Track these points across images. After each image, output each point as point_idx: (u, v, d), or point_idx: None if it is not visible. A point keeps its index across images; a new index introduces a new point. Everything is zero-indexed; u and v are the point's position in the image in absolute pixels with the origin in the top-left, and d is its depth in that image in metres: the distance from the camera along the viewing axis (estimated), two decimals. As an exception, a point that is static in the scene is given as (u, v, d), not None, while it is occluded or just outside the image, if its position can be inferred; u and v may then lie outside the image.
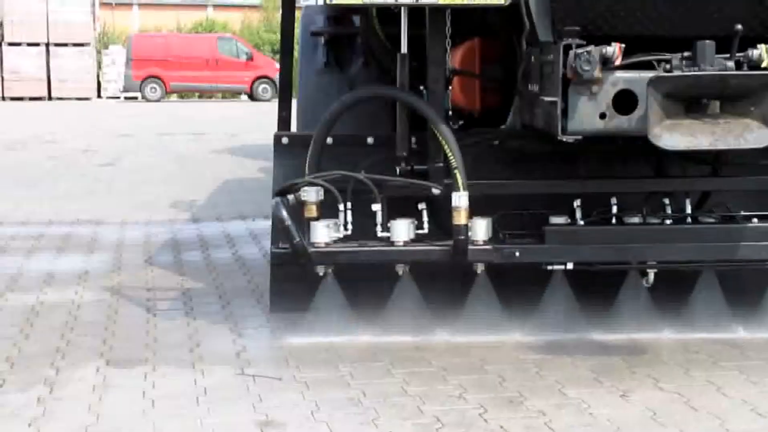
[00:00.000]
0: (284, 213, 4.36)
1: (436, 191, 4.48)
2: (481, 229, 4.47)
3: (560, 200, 4.60)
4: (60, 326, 4.95)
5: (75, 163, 13.15)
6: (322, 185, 4.51)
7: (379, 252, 4.52)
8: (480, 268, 4.52)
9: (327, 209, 4.53)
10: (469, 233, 4.42)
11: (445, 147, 4.42)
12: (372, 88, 4.97)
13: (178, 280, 5.94)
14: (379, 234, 4.50)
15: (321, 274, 4.55)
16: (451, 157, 4.41)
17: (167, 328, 4.91)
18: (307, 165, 4.64)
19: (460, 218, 4.37)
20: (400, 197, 4.57)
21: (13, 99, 30.50)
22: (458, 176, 4.39)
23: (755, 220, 4.54)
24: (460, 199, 4.37)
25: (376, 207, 4.50)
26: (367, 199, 4.50)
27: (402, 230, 4.48)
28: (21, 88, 31.17)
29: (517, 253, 4.46)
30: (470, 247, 4.42)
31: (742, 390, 3.99)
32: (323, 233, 4.46)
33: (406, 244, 4.49)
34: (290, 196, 4.50)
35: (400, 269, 4.55)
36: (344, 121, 4.69)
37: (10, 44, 31.34)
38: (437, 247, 4.47)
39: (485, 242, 4.47)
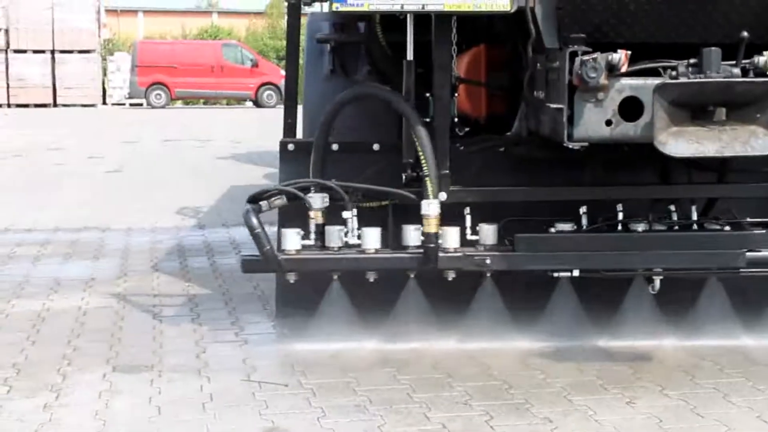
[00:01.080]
0: (254, 221, 4.39)
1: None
2: (451, 236, 4.46)
3: (566, 207, 4.59)
4: (66, 332, 4.96)
5: (81, 169, 13.17)
6: (291, 192, 4.54)
7: (349, 260, 4.52)
8: (451, 275, 4.52)
9: (333, 215, 4.54)
10: (440, 241, 4.41)
11: (420, 152, 4.43)
12: (355, 89, 4.98)
13: (184, 287, 5.94)
14: (350, 242, 4.51)
15: (291, 281, 4.55)
16: (424, 164, 4.41)
17: (173, 334, 4.91)
18: (311, 171, 4.66)
19: (430, 226, 4.36)
20: (409, 204, 4.58)
21: (18, 106, 30.54)
22: (429, 184, 4.40)
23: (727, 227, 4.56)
24: (430, 207, 4.37)
25: (347, 214, 4.51)
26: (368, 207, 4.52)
27: (372, 238, 4.48)
28: (26, 95, 31.19)
29: (488, 261, 4.46)
30: (441, 254, 4.41)
31: (749, 397, 3.99)
32: (293, 241, 4.47)
33: (376, 251, 4.49)
34: (263, 203, 4.53)
35: (371, 277, 4.55)
36: (351, 127, 4.70)
37: (16, 51, 31.37)
38: (408, 255, 4.47)
39: (456, 249, 4.46)
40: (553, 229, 4.50)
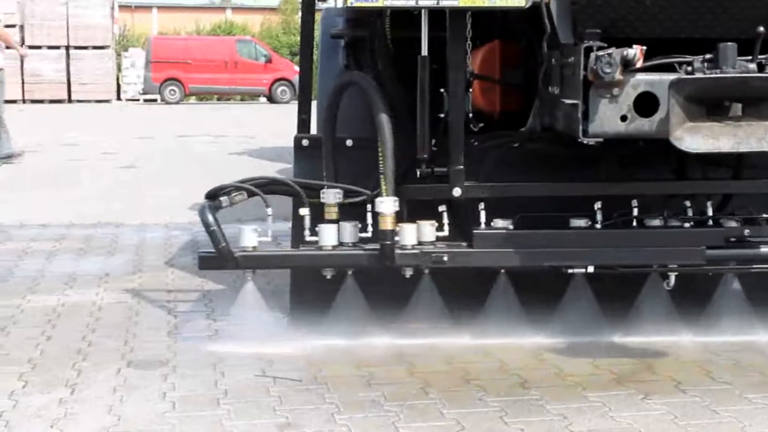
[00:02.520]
0: (210, 217, 4.42)
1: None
2: (409, 234, 4.46)
3: (581, 202, 4.58)
4: (81, 328, 4.98)
5: (95, 165, 13.20)
6: (248, 189, 4.57)
7: (306, 257, 4.55)
8: (409, 272, 4.51)
9: (345, 212, 4.56)
10: (397, 238, 4.41)
11: (380, 148, 4.43)
12: (339, 79, 4.99)
13: (198, 282, 5.95)
14: (308, 238, 4.52)
15: (249, 277, 4.57)
16: (381, 161, 4.42)
17: (187, 329, 4.92)
18: (324, 165, 4.68)
19: (386, 224, 4.36)
20: (420, 200, 4.58)
21: (33, 102, 30.63)
22: (384, 182, 4.40)
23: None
24: (385, 205, 4.36)
25: (304, 211, 4.53)
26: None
27: (329, 235, 4.49)
28: (41, 91, 31.29)
29: (446, 258, 4.46)
30: (398, 251, 4.41)
31: (765, 393, 3.97)
32: (251, 237, 4.48)
33: (334, 248, 4.49)
34: (223, 199, 4.55)
35: (328, 274, 4.55)
36: (366, 122, 4.69)
37: (31, 47, 31.39)
38: (365, 252, 4.47)
39: (413, 247, 4.46)
40: (498, 223, 4.50)
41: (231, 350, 4.54)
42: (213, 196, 4.60)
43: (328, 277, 4.55)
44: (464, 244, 4.51)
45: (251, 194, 4.59)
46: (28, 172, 12.34)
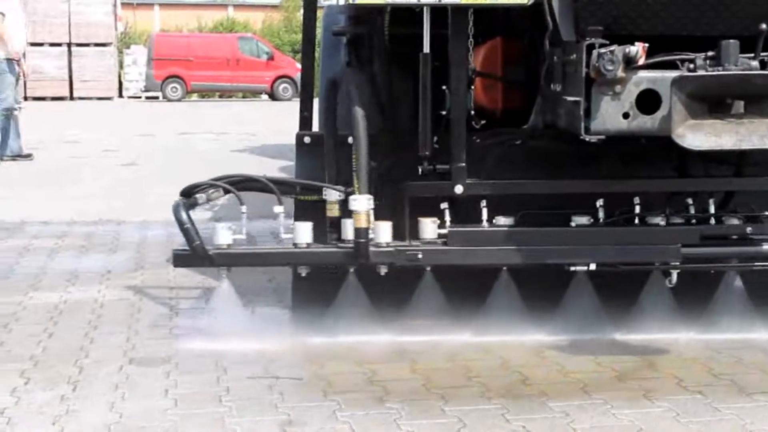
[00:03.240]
0: (184, 215, 4.44)
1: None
2: (383, 231, 4.46)
3: (583, 200, 4.58)
4: (83, 325, 4.98)
5: (97, 162, 13.21)
6: (222, 187, 4.59)
7: (280, 254, 4.58)
8: (383, 270, 4.51)
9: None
10: (371, 235, 4.41)
11: (354, 145, 4.43)
12: (331, 76, 5.02)
13: (199, 279, 5.95)
14: (282, 236, 4.53)
15: (223, 275, 4.57)
16: (354, 159, 4.42)
17: (189, 326, 4.92)
18: (325, 163, 4.69)
19: (360, 222, 4.35)
20: (423, 197, 4.58)
21: (35, 99, 30.63)
22: (357, 180, 4.40)
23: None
24: (359, 203, 4.36)
25: (278, 209, 4.54)
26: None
27: (304, 232, 4.49)
28: (43, 88, 31.28)
29: (420, 255, 4.45)
30: (372, 249, 4.41)
31: (767, 391, 3.97)
32: (225, 235, 4.50)
33: (308, 246, 4.49)
34: (199, 196, 4.58)
35: (303, 271, 4.56)
36: (368, 119, 4.70)
37: (33, 44, 31.37)
38: (339, 250, 4.48)
39: (388, 244, 4.46)
40: (486, 224, 4.51)
41: (233, 347, 4.54)
42: (187, 193, 4.61)
43: (303, 274, 4.56)
44: (440, 241, 4.51)
45: (227, 191, 4.60)
46: (29, 170, 12.35)
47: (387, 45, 5.02)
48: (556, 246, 4.49)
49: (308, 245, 4.49)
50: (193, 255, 4.47)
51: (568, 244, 4.50)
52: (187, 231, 4.44)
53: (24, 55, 13.33)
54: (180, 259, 4.60)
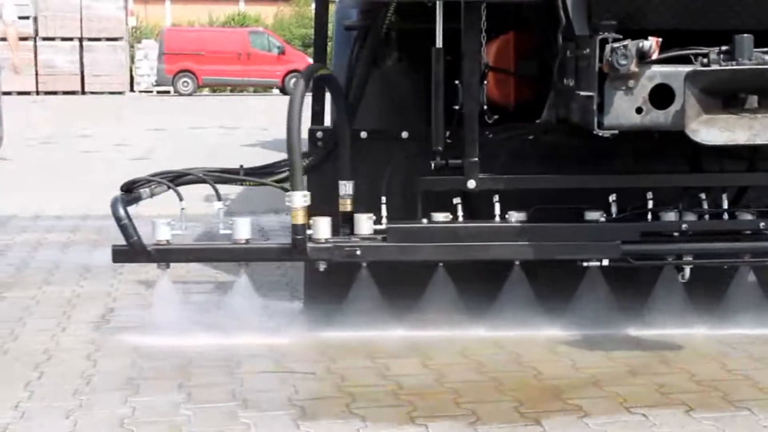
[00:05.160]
0: (121, 211, 4.47)
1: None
2: (322, 227, 4.45)
3: (595, 195, 4.57)
4: (96, 319, 5.00)
5: (109, 157, 13.24)
6: (163, 183, 4.63)
7: (220, 250, 4.62)
8: (323, 266, 4.50)
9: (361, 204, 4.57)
10: (310, 231, 4.40)
11: (286, 144, 4.44)
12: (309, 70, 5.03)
13: (212, 273, 5.96)
14: (222, 232, 4.56)
15: (163, 271, 4.61)
16: (288, 155, 4.42)
17: (202, 320, 4.92)
18: (338, 157, 4.70)
19: (297, 218, 4.34)
20: (436, 191, 4.58)
21: (47, 93, 30.71)
22: (293, 176, 4.38)
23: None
24: (295, 200, 4.35)
25: (218, 205, 4.58)
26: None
27: (243, 228, 4.49)
28: (55, 83, 31.37)
29: (358, 252, 4.45)
30: (310, 245, 4.40)
31: (780, 386, 3.97)
32: (164, 231, 4.52)
33: (247, 242, 4.50)
34: (143, 191, 4.61)
35: (243, 268, 4.58)
36: (378, 115, 4.70)
37: (45, 39, 31.53)
38: (276, 246, 4.53)
39: (326, 240, 4.45)
40: (425, 220, 4.51)
41: (246, 341, 4.54)
42: (127, 189, 4.63)
43: (242, 270, 4.58)
44: (379, 237, 4.50)
45: (168, 187, 4.67)
46: (42, 164, 12.38)
47: (395, 40, 5.01)
48: (496, 243, 4.45)
49: (247, 241, 4.50)
50: (132, 251, 4.49)
51: (508, 241, 4.45)
52: (125, 227, 4.47)
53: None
54: (119, 255, 4.61)
